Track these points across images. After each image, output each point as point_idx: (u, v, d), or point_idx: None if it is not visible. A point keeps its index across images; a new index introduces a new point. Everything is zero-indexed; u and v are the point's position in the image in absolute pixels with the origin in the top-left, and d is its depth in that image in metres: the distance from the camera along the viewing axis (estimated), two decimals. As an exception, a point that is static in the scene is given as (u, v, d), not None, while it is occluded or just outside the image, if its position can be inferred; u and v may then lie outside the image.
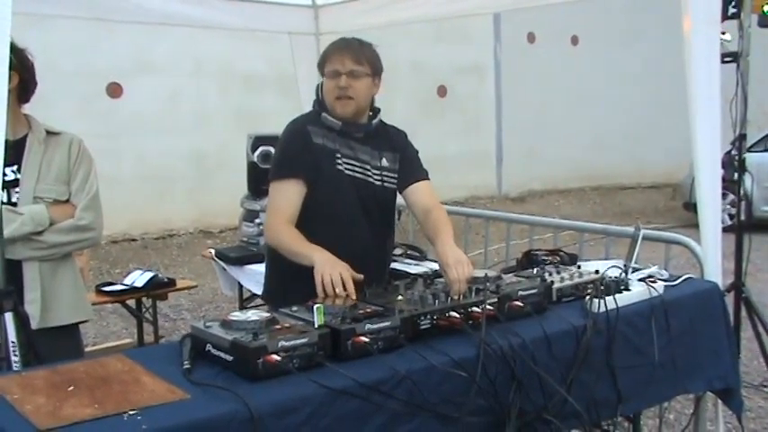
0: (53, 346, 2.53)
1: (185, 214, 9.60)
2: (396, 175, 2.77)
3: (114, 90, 9.14)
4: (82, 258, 3.49)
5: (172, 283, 4.74)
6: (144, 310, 4.76)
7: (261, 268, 4.16)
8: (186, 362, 1.89)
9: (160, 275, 4.77)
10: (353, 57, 2.62)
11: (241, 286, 4.54)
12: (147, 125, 9.23)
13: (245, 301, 4.61)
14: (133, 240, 9.14)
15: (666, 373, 2.54)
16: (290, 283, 2.51)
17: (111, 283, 4.65)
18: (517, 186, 12.82)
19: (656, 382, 2.52)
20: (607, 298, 2.41)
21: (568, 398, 2.18)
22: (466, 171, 11.85)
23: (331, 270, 2.29)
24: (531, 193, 12.96)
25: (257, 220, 4.49)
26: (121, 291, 4.52)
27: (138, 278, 4.61)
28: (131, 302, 4.66)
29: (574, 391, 2.22)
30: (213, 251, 4.73)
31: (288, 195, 2.62)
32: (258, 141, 4.50)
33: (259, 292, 4.19)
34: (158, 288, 4.63)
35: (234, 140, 8.86)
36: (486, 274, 2.40)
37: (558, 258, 2.93)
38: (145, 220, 9.27)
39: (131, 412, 1.60)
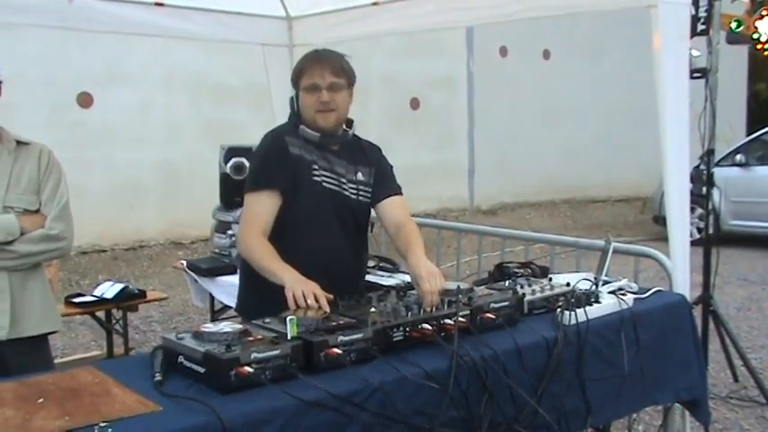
0: (22, 356, 2.51)
1: (156, 225, 9.52)
2: (370, 189, 2.78)
3: (85, 100, 9.06)
4: (51, 269, 3.46)
5: (142, 294, 4.70)
6: (114, 321, 4.71)
7: (233, 280, 4.16)
8: (158, 374, 1.88)
9: (130, 287, 4.73)
10: (333, 69, 2.62)
11: (212, 298, 4.52)
12: (118, 135, 9.15)
13: (216, 313, 4.58)
14: (103, 251, 9.04)
15: (635, 384, 2.58)
16: (264, 296, 2.50)
17: (80, 295, 4.60)
18: (489, 199, 12.90)
19: (626, 394, 2.55)
20: (578, 310, 2.44)
21: (539, 409, 2.20)
22: (438, 183, 11.91)
23: (302, 286, 2.30)
24: (502, 205, 13.05)
25: (229, 232, 4.48)
26: (91, 302, 4.48)
27: (108, 289, 4.57)
28: (101, 314, 4.61)
29: (544, 403, 2.24)
30: (184, 262, 4.69)
31: (263, 207, 2.62)
32: (231, 153, 4.49)
33: (231, 303, 4.17)
34: (128, 299, 4.59)
35: (205, 151, 8.84)
36: (458, 286, 2.42)
37: (530, 271, 2.97)
38: (115, 231, 9.17)
39: (102, 424, 1.59)
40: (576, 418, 2.40)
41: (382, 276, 3.61)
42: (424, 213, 10.19)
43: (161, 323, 6.49)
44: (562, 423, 2.32)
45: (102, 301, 4.50)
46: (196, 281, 4.50)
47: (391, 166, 2.88)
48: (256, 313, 2.27)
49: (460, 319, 2.21)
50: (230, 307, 4.37)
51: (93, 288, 4.75)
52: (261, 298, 2.59)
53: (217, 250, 4.62)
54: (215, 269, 4.37)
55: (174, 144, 9.57)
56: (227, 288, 4.22)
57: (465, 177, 12.84)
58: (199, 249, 9.25)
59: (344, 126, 2.77)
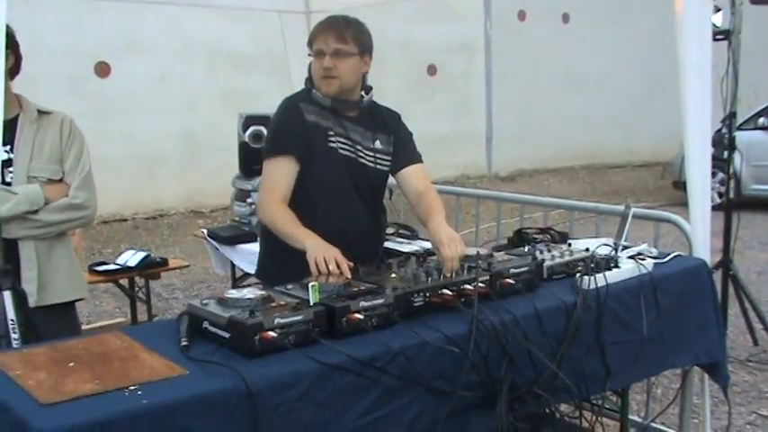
0: (51, 323, 2.57)
1: (175, 194, 9.60)
2: (389, 158, 2.79)
3: (102, 70, 9.10)
4: (74, 238, 3.50)
5: (164, 262, 4.76)
6: (137, 289, 4.78)
7: (253, 248, 4.21)
8: (183, 339, 1.92)
9: (152, 255, 4.79)
10: (337, 36, 2.61)
11: (233, 265, 4.57)
12: (136, 105, 9.20)
13: (237, 281, 4.64)
14: (124, 221, 9.15)
15: (654, 348, 2.60)
16: (285, 262, 2.54)
17: (103, 263, 4.66)
18: (507, 165, 12.85)
19: (645, 357, 2.57)
20: (597, 275, 2.45)
21: (559, 373, 2.23)
22: (456, 150, 11.88)
23: (325, 252, 2.32)
24: (520, 172, 13.00)
25: (249, 200, 4.52)
26: (114, 270, 4.53)
27: (131, 258, 4.63)
28: (124, 282, 4.68)
29: (564, 367, 2.27)
30: (205, 231, 4.74)
31: (281, 173, 2.64)
32: (249, 121, 4.50)
33: (251, 270, 4.22)
34: (151, 268, 4.64)
35: (223, 120, 8.85)
36: (478, 252, 2.44)
37: (549, 237, 2.98)
38: (135, 201, 9.27)
39: (132, 387, 1.64)
40: (596, 381, 2.43)
41: (401, 243, 3.64)
42: (441, 180, 10.18)
43: (183, 290, 6.58)
44: (582, 386, 2.34)
45: (125, 270, 4.56)
46: (217, 249, 4.55)
47: (411, 134, 2.88)
48: (276, 278, 2.30)
49: (480, 284, 2.23)
50: (251, 274, 4.42)
51: (116, 257, 4.81)
52: (281, 263, 2.63)
53: (237, 218, 4.66)
54: (235, 237, 4.42)
55: (192, 113, 9.61)
56: (247, 256, 4.26)
57: (483, 144, 12.79)
58: (218, 218, 9.33)
59: (362, 93, 2.77)
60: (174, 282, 6.72)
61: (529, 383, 2.20)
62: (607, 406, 2.86)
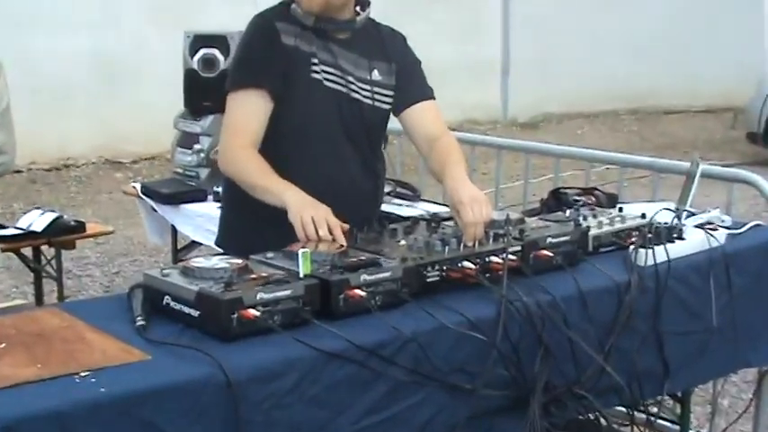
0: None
1: (86, 138, 9.60)
2: (391, 93, 2.87)
3: (-11, -30, 9.05)
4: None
5: (81, 227, 4.79)
6: (44, 262, 4.85)
7: (202, 208, 4.30)
8: (140, 317, 2.03)
9: (65, 217, 4.82)
10: None
11: (175, 233, 4.65)
12: (36, 18, 9.15)
13: (179, 252, 4.73)
14: (18, 172, 9.12)
15: (725, 341, 2.75)
16: (254, 225, 2.67)
17: (1, 226, 4.68)
18: (528, 108, 12.93)
19: (713, 352, 2.72)
20: (656, 248, 2.58)
21: (607, 368, 2.36)
22: (461, 86, 11.91)
23: (313, 211, 2.42)
24: (546, 116, 13.09)
25: (197, 146, 4.58)
26: (15, 236, 4.56)
27: (37, 220, 4.62)
28: (27, 251, 4.72)
29: (612, 361, 2.40)
30: (138, 186, 4.81)
31: (250, 110, 2.71)
32: (198, 41, 4.55)
33: (199, 238, 4.33)
34: (64, 233, 4.67)
35: (152, 40, 8.87)
36: (507, 216, 2.56)
37: (594, 199, 3.10)
38: (33, 146, 9.19)
39: (83, 374, 1.75)
40: (651, 381, 2.58)
41: (400, 205, 3.75)
42: (442, 126, 10.24)
43: (99, 266, 6.64)
44: (634, 387, 2.49)
45: (29, 235, 4.58)
46: (154, 210, 4.62)
47: (419, 62, 2.96)
48: (243, 248, 2.40)
49: (511, 256, 2.35)
50: (199, 243, 4.52)
51: (16, 219, 4.84)
52: (249, 228, 2.75)
53: (180, 170, 4.71)
54: (179, 194, 4.48)
55: (111, 30, 9.56)
56: (194, 219, 4.34)
57: (497, 78, 12.86)
58: (143, 170, 9.38)
59: (357, 9, 2.84)
60: (88, 254, 6.76)
61: (569, 382, 2.33)
62: (663, 415, 3.02)
